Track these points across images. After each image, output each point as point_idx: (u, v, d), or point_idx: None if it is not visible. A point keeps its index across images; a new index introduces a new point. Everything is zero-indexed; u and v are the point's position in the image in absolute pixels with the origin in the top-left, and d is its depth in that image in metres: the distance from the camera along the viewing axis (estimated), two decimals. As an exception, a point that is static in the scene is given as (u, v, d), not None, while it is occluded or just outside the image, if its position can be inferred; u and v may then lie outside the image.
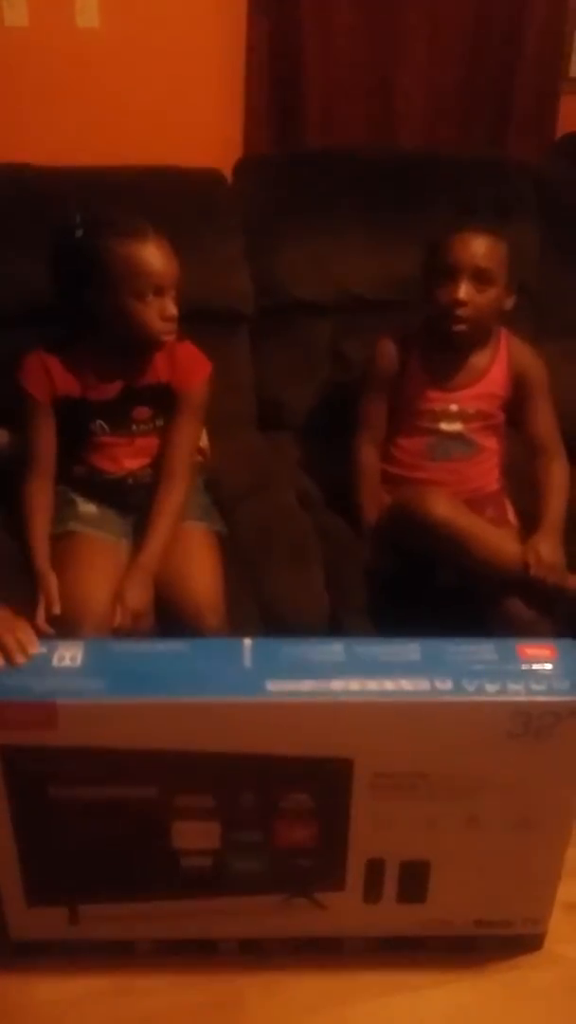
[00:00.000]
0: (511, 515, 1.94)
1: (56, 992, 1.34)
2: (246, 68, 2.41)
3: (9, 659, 1.21)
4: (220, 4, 2.36)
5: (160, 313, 1.71)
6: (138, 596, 1.69)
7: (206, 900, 1.36)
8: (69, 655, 1.23)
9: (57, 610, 1.65)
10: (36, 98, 2.34)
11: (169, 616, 1.71)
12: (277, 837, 1.30)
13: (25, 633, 1.24)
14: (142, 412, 1.83)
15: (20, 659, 1.22)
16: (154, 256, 1.69)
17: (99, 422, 1.82)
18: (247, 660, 1.23)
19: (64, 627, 1.63)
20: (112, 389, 1.80)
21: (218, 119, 2.46)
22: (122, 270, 1.68)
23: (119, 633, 1.64)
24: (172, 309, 1.71)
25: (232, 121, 2.46)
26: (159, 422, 1.84)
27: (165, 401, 1.83)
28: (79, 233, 1.72)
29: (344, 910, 1.37)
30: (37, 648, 1.23)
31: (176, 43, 2.37)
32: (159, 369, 1.82)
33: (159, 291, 1.70)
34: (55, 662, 1.21)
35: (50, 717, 1.16)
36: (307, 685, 1.21)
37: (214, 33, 2.39)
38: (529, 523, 1.87)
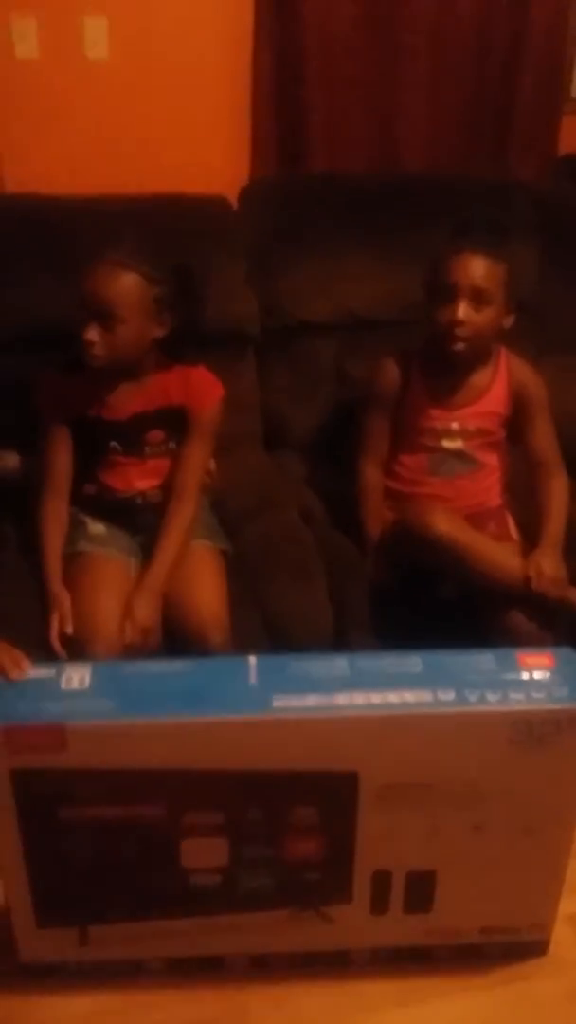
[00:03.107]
0: (513, 530, 1.96)
1: (64, 1011, 1.34)
2: (252, 96, 2.45)
3: (5, 674, 1.23)
4: (225, 34, 2.41)
5: (79, 335, 1.73)
6: (147, 613, 1.72)
7: (215, 917, 1.36)
8: (77, 677, 1.25)
9: (70, 629, 1.69)
10: (47, 128, 2.39)
11: (175, 633, 1.73)
12: (285, 852, 1.31)
13: (9, 653, 1.26)
14: (156, 435, 1.86)
15: (16, 673, 1.23)
16: (90, 281, 1.72)
17: (113, 443, 1.85)
18: (252, 677, 1.25)
19: (76, 644, 1.67)
20: (126, 411, 1.83)
21: (224, 147, 2.50)
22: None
23: (129, 649, 1.67)
24: (86, 334, 1.72)
25: (238, 148, 2.50)
26: (172, 444, 1.87)
27: (178, 424, 1.86)
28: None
29: (351, 922, 1.38)
30: (30, 665, 1.25)
31: (183, 73, 2.42)
32: (172, 392, 1.85)
33: (85, 316, 1.72)
34: (64, 685, 1.23)
35: (60, 739, 1.17)
36: (312, 700, 1.22)
37: (220, 62, 2.44)
38: (531, 538, 1.90)
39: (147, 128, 2.44)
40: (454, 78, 2.55)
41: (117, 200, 2.18)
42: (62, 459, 1.85)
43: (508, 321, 1.89)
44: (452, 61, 2.53)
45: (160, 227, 2.05)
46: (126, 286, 1.72)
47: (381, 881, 1.34)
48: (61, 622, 1.69)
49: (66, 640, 1.68)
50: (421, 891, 1.36)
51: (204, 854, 1.30)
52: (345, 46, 2.45)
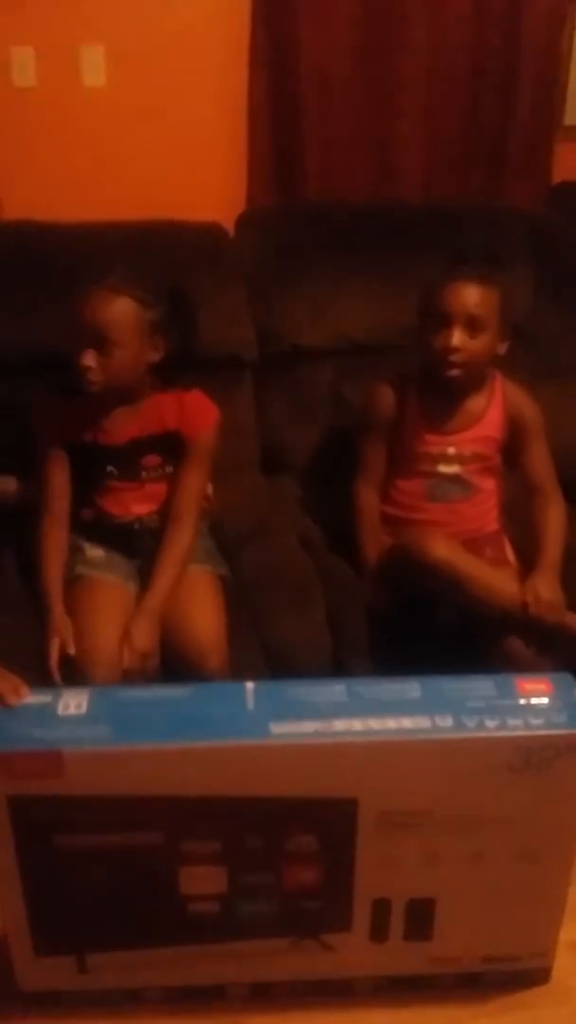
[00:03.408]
0: (510, 555, 1.96)
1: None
2: (248, 123, 2.48)
3: (4, 701, 1.22)
4: (222, 62, 2.44)
5: (75, 361, 1.74)
6: (145, 637, 1.72)
7: (214, 945, 1.35)
8: (75, 703, 1.24)
9: (72, 650, 1.68)
10: (45, 155, 2.42)
11: (173, 658, 1.73)
12: (284, 880, 1.30)
13: (8, 679, 1.26)
14: (152, 460, 1.86)
15: (14, 699, 1.23)
16: (86, 306, 1.73)
17: (109, 468, 1.85)
18: (250, 703, 1.24)
19: (75, 669, 1.67)
20: (122, 436, 1.84)
21: (221, 174, 2.53)
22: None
23: (127, 674, 1.67)
24: (82, 359, 1.73)
25: (235, 175, 2.53)
26: (168, 469, 1.87)
27: (174, 449, 1.86)
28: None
29: (351, 951, 1.37)
30: (29, 691, 1.25)
31: (180, 100, 2.45)
32: (168, 417, 1.85)
33: (82, 341, 1.73)
34: (61, 711, 1.22)
35: (56, 766, 1.17)
36: (310, 726, 1.22)
37: (217, 90, 2.46)
38: (528, 563, 1.90)
39: (144, 155, 2.46)
40: (449, 106, 2.58)
41: (114, 227, 2.20)
42: (60, 484, 1.85)
43: (503, 347, 1.90)
44: (446, 90, 2.56)
45: (157, 253, 2.08)
46: (121, 311, 1.73)
47: (381, 909, 1.33)
48: (63, 644, 1.69)
49: (65, 664, 1.68)
50: (421, 919, 1.35)
51: (202, 882, 1.29)
52: (340, 74, 2.48)
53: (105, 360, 1.73)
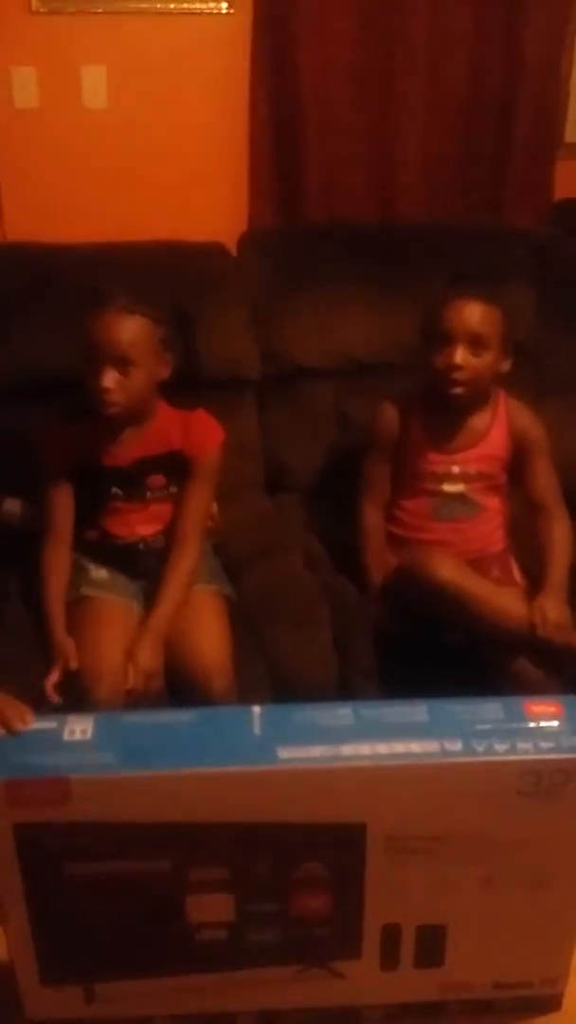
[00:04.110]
0: (517, 574, 1.95)
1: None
2: (249, 144, 2.49)
3: (9, 727, 1.21)
4: (223, 82, 2.45)
5: (95, 384, 1.73)
6: (149, 657, 1.72)
7: (222, 974, 1.34)
8: (80, 728, 1.23)
9: (75, 665, 1.67)
10: (47, 176, 2.42)
11: (178, 678, 1.73)
12: (292, 906, 1.28)
13: (13, 707, 1.25)
14: (157, 480, 1.86)
15: (19, 725, 1.22)
16: (99, 328, 1.73)
17: (114, 489, 1.85)
18: (257, 727, 1.23)
19: (78, 688, 1.66)
20: (127, 457, 1.84)
21: (222, 194, 2.53)
22: (81, 340, 1.74)
23: (132, 694, 1.66)
24: (103, 381, 1.72)
25: (236, 196, 2.53)
26: (173, 489, 1.87)
27: (179, 469, 1.86)
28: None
29: (361, 978, 1.35)
30: (34, 717, 1.24)
31: (181, 121, 2.46)
32: (173, 437, 1.85)
33: (99, 362, 1.72)
34: (66, 736, 1.21)
35: (63, 792, 1.15)
36: (317, 751, 1.20)
37: (217, 111, 2.48)
38: (535, 582, 1.89)
39: (146, 176, 2.47)
40: (449, 125, 2.59)
41: (117, 247, 2.20)
42: (64, 506, 1.85)
43: (506, 365, 1.90)
44: (447, 109, 2.57)
45: (160, 274, 2.08)
46: (138, 329, 1.73)
47: (391, 935, 1.32)
48: (65, 664, 1.68)
49: (68, 683, 1.67)
50: (432, 945, 1.33)
51: (210, 909, 1.28)
52: (341, 95, 2.49)
53: (124, 380, 1.73)
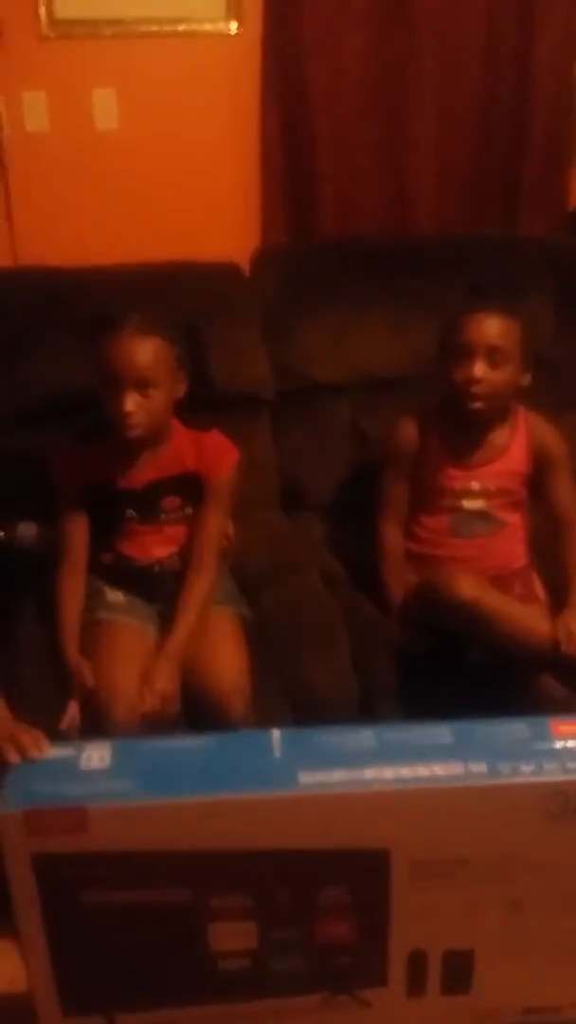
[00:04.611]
0: (540, 590, 1.93)
1: None
2: (260, 162, 2.49)
3: (26, 755, 1.20)
4: (233, 101, 2.45)
5: (117, 408, 1.72)
6: (166, 680, 1.70)
7: (246, 1003, 1.32)
8: (97, 755, 1.22)
9: (91, 683, 1.66)
10: (59, 199, 2.43)
11: (195, 702, 1.71)
12: (316, 934, 1.27)
13: (29, 734, 1.24)
14: (171, 501, 1.85)
15: (36, 753, 1.22)
16: (116, 351, 1.71)
17: (129, 511, 1.84)
18: (277, 751, 1.22)
19: (95, 712, 1.65)
20: (141, 479, 1.83)
21: (235, 213, 2.53)
22: (96, 363, 1.73)
23: (148, 717, 1.65)
24: (126, 405, 1.71)
25: (249, 214, 2.53)
26: (188, 510, 1.86)
27: (194, 490, 1.85)
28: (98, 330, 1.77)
29: (388, 1006, 1.34)
30: (50, 745, 1.23)
31: (192, 141, 2.46)
32: (187, 458, 1.84)
33: (119, 386, 1.71)
34: (83, 764, 1.21)
35: (81, 822, 1.15)
36: (339, 775, 1.19)
37: (228, 129, 2.47)
38: (559, 598, 1.86)
39: (158, 196, 2.47)
40: (462, 138, 2.58)
41: (130, 269, 2.20)
42: (79, 530, 1.84)
43: (525, 379, 1.87)
44: (459, 121, 2.56)
45: (172, 294, 2.07)
46: (154, 350, 1.72)
47: (417, 962, 1.30)
48: (82, 684, 1.67)
49: (85, 708, 1.66)
50: (459, 971, 1.31)
51: (233, 938, 1.26)
52: (351, 109, 2.48)
53: (145, 402, 1.73)
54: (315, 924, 1.27)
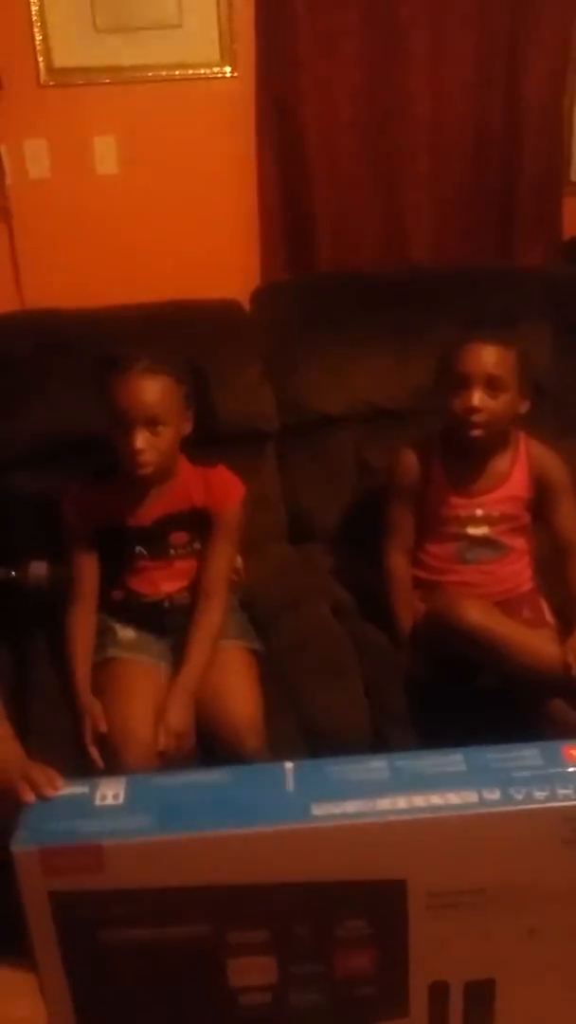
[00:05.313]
0: (548, 614, 1.93)
1: None
2: (259, 201, 2.52)
3: (40, 793, 1.21)
4: (230, 142, 2.49)
5: (128, 446, 1.74)
6: (180, 717, 1.70)
7: (267, 1038, 1.31)
8: (112, 792, 1.22)
9: (104, 727, 1.67)
10: (62, 243, 2.47)
11: (209, 737, 1.71)
12: (336, 967, 1.26)
13: (43, 773, 1.24)
14: (180, 537, 1.86)
15: (50, 791, 1.22)
16: (125, 391, 1.73)
17: (138, 548, 1.85)
18: (290, 784, 1.22)
19: (109, 752, 1.65)
20: (149, 516, 1.84)
21: (234, 252, 2.57)
22: (107, 403, 1.75)
23: (163, 755, 1.65)
24: (136, 443, 1.72)
25: (248, 252, 2.56)
26: (196, 545, 1.87)
27: (202, 525, 1.86)
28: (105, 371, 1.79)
29: (410, 1039, 1.32)
30: (64, 782, 1.24)
31: (191, 183, 2.50)
32: (194, 494, 1.86)
33: (129, 425, 1.73)
34: (98, 801, 1.21)
35: (97, 859, 1.15)
36: (353, 806, 1.19)
37: (226, 171, 2.52)
38: (567, 621, 1.87)
39: (158, 238, 2.51)
40: (456, 170, 2.62)
41: (133, 310, 2.23)
42: (88, 569, 1.85)
43: (524, 406, 1.89)
44: (452, 153, 2.60)
45: (175, 333, 2.10)
46: (162, 388, 1.74)
47: (439, 993, 1.29)
48: (94, 723, 1.68)
49: (100, 746, 1.66)
50: (481, 1002, 1.30)
51: (252, 973, 1.26)
52: (346, 147, 2.53)
53: (155, 440, 1.75)
54: (334, 957, 1.27)
